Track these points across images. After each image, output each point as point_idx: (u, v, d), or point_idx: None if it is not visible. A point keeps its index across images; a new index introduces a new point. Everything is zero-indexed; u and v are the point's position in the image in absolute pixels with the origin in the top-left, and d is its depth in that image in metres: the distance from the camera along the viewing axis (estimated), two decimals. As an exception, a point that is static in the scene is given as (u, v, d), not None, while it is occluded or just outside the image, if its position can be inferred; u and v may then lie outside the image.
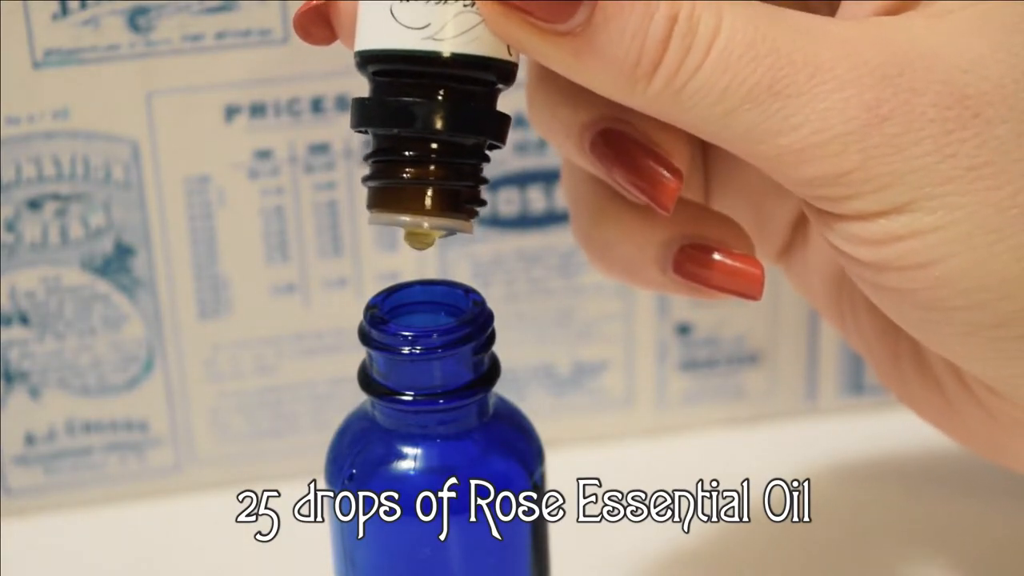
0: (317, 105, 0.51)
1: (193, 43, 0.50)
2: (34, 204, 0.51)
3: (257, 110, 0.51)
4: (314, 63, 0.51)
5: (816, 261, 0.43)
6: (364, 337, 0.37)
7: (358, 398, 0.39)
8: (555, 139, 0.39)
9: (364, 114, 0.35)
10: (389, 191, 0.35)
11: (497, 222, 0.54)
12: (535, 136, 0.53)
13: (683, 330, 0.57)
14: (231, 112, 0.51)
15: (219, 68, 0.50)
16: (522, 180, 0.54)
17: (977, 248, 0.34)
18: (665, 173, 0.37)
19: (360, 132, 0.36)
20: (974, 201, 0.34)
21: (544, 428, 0.40)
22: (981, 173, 0.33)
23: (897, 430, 0.57)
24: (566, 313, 0.56)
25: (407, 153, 0.35)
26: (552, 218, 0.54)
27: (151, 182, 0.51)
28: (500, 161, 0.52)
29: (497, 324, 0.38)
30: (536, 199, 0.54)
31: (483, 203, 0.36)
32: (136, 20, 0.49)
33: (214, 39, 0.50)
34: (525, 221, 0.54)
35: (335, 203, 0.53)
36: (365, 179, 0.35)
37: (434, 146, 0.35)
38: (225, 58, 0.50)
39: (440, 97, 0.34)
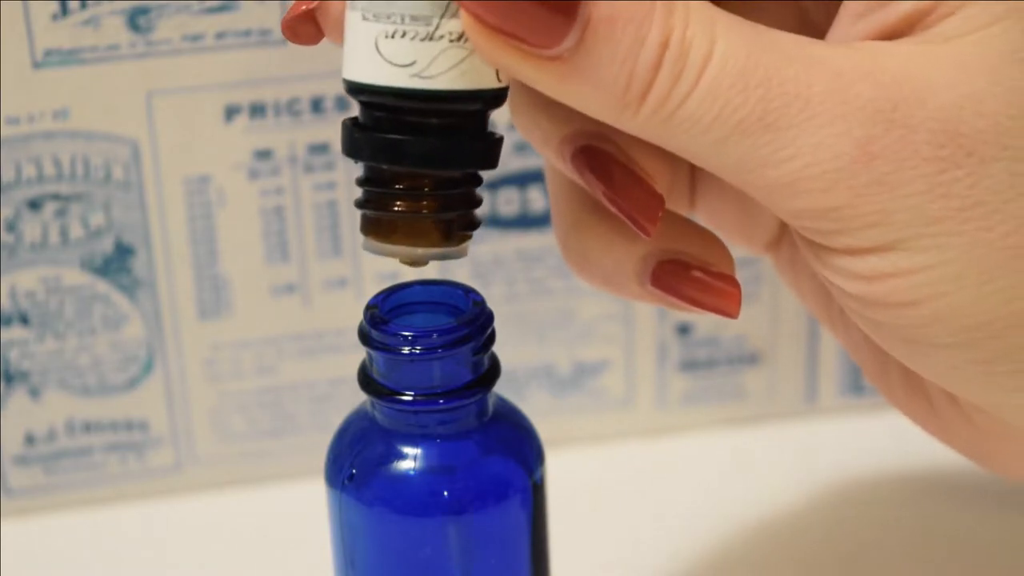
0: (317, 105, 0.51)
1: (193, 43, 0.50)
2: (34, 204, 0.51)
3: (257, 110, 0.51)
4: (314, 63, 0.51)
5: (805, 262, 0.43)
6: (364, 337, 0.37)
7: (358, 398, 0.39)
8: (535, 145, 0.39)
9: (354, 146, 0.35)
10: (382, 222, 0.35)
11: (497, 222, 0.54)
12: (535, 136, 0.53)
13: (683, 330, 0.57)
14: (231, 112, 0.51)
15: (219, 68, 0.50)
16: (522, 180, 0.54)
17: (967, 288, 0.33)
18: (647, 197, 0.36)
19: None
20: (965, 242, 0.33)
21: (544, 428, 0.40)
22: (973, 214, 0.33)
23: (897, 430, 0.57)
24: (566, 313, 0.56)
25: (399, 185, 0.35)
26: (552, 218, 0.54)
27: (151, 182, 0.51)
28: (500, 161, 0.52)
29: (497, 324, 0.38)
30: (536, 199, 0.54)
31: (476, 226, 0.36)
32: (136, 20, 0.49)
33: (214, 39, 0.50)
34: (525, 221, 0.54)
35: (335, 203, 0.53)
36: (358, 204, 0.35)
37: (426, 180, 0.35)
38: (225, 58, 0.50)
39: (430, 133, 0.34)
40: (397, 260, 0.36)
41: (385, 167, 0.35)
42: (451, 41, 0.33)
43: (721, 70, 0.32)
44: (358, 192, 0.35)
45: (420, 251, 0.35)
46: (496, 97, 0.35)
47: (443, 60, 0.33)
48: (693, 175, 0.43)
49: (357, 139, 0.35)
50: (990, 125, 0.33)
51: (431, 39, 0.33)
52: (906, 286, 0.33)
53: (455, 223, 0.35)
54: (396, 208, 0.35)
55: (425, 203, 0.35)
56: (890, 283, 0.34)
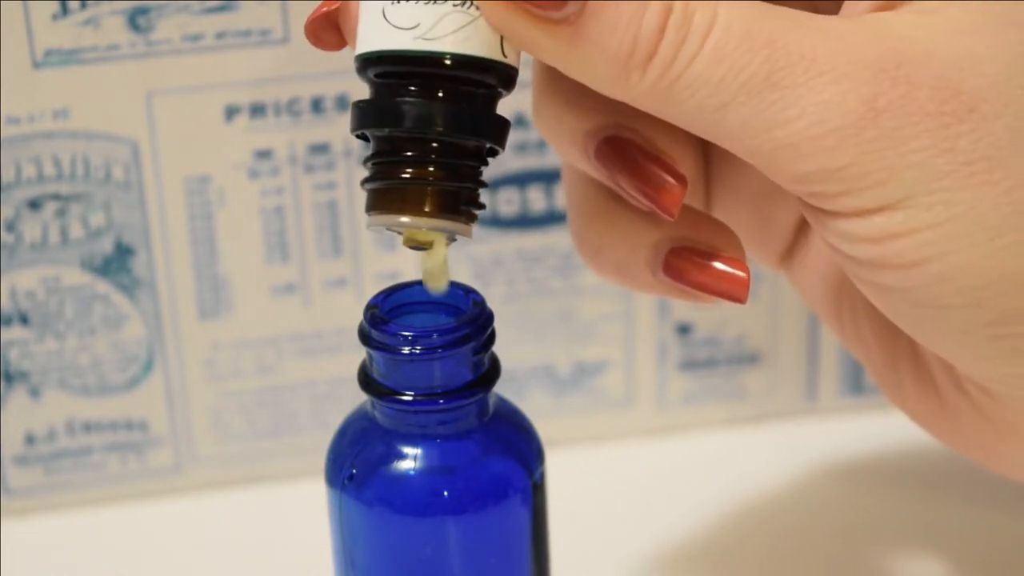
0: (317, 105, 0.51)
1: (193, 43, 0.50)
2: (34, 204, 0.51)
3: (257, 110, 0.51)
4: (314, 63, 0.50)
5: (817, 265, 0.44)
6: (364, 337, 0.37)
7: (358, 398, 0.39)
8: (559, 145, 0.39)
9: (361, 117, 0.35)
10: (387, 192, 0.35)
11: (497, 222, 0.54)
12: (535, 136, 0.53)
13: (683, 330, 0.57)
14: (231, 112, 0.51)
15: (219, 68, 0.50)
16: (522, 180, 0.54)
17: (975, 245, 0.34)
18: (670, 179, 0.37)
19: (359, 137, 0.36)
20: (971, 197, 0.33)
21: (544, 428, 0.40)
22: (977, 168, 0.33)
23: (897, 430, 0.57)
24: (566, 313, 0.56)
25: (405, 153, 0.35)
26: (552, 218, 0.54)
27: (151, 182, 0.51)
28: (500, 161, 0.52)
29: (497, 324, 0.38)
30: (536, 199, 0.54)
31: (482, 206, 0.36)
32: (136, 20, 0.49)
33: (214, 39, 0.50)
34: (525, 221, 0.54)
35: (335, 203, 0.53)
36: (364, 182, 0.35)
37: (433, 146, 0.35)
38: (225, 58, 0.50)
39: (436, 97, 0.34)
40: (401, 240, 0.36)
41: (387, 131, 0.35)
42: (455, 5, 0.34)
43: (726, 32, 0.33)
44: (361, 188, 0.36)
45: (424, 221, 0.35)
46: (504, 74, 0.35)
47: (448, 22, 0.34)
48: (708, 180, 0.43)
49: (362, 109, 0.35)
50: (990, 84, 0.34)
51: (436, 2, 0.34)
52: (913, 245, 0.34)
53: (460, 196, 0.35)
54: (402, 176, 0.35)
55: (431, 170, 0.35)
56: (898, 243, 0.34)
